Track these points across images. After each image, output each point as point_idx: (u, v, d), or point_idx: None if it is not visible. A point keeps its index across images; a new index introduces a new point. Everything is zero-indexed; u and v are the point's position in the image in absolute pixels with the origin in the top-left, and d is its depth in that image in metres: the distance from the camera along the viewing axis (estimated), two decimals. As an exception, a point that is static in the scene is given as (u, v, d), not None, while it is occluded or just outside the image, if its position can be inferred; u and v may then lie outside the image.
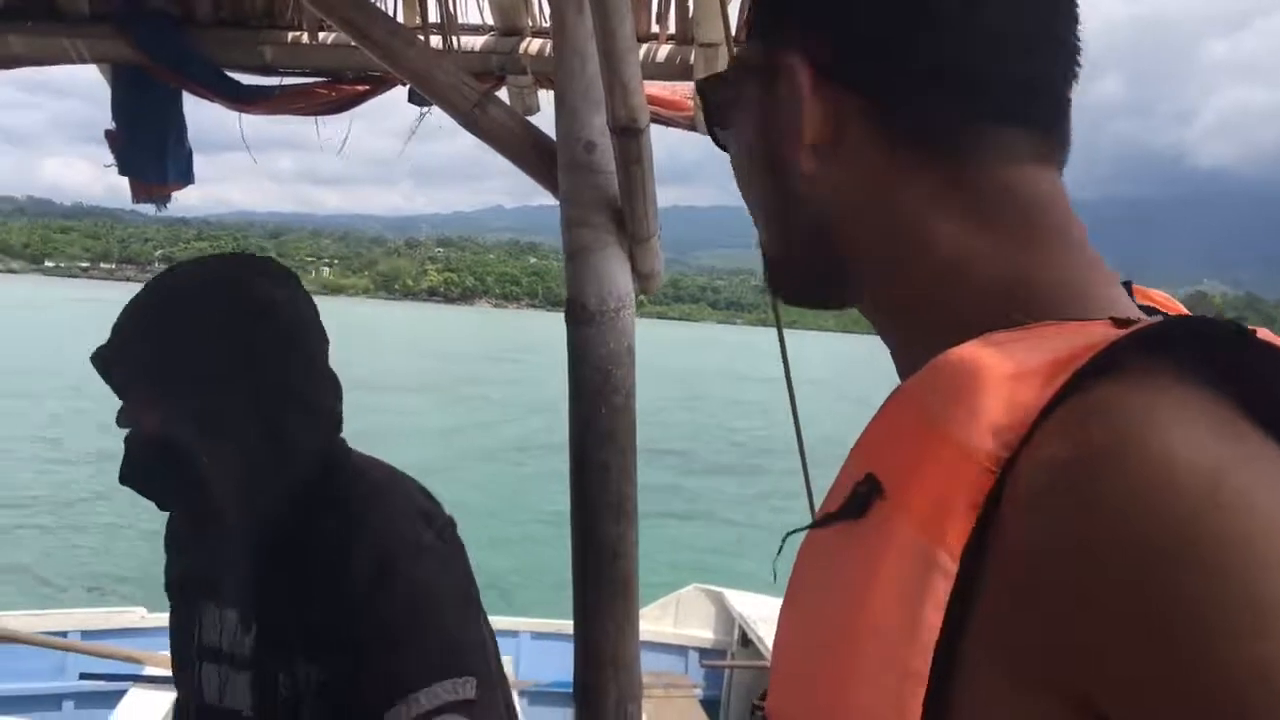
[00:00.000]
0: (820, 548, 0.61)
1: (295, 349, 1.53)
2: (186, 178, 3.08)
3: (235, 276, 1.55)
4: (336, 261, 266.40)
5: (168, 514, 1.69)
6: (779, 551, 0.72)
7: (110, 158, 3.00)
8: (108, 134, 2.96)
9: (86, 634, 5.81)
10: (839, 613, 0.56)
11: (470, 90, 1.95)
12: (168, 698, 5.35)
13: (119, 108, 2.94)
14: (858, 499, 0.57)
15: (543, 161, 1.97)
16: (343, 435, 1.60)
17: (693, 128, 3.05)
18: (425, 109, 3.06)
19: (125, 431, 1.55)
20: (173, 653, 1.66)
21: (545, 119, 2.10)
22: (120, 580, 11.75)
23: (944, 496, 0.51)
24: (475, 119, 1.95)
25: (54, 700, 5.75)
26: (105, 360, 1.52)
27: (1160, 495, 0.46)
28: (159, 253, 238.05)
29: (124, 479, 1.54)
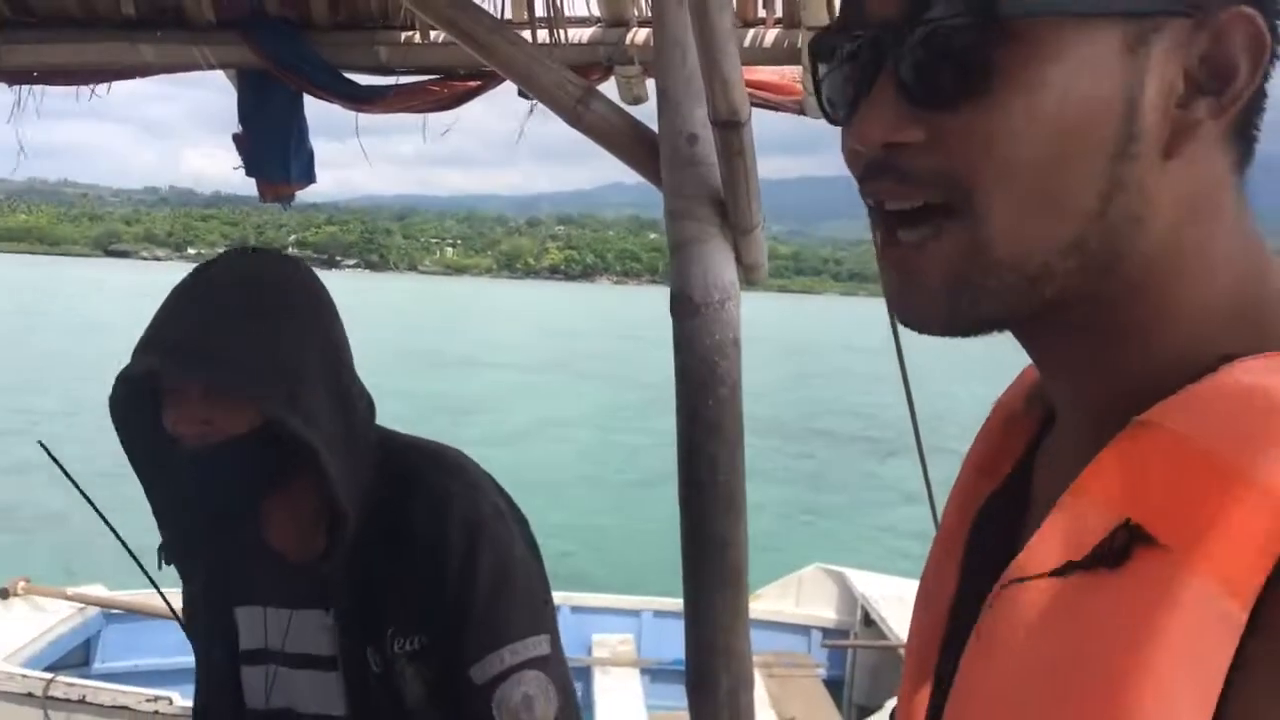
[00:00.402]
0: (1042, 601, 0.55)
1: (345, 336, 1.57)
2: (308, 176, 3.20)
3: (294, 269, 1.56)
4: (460, 242, 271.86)
5: (166, 532, 1.58)
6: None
7: (240, 160, 3.14)
8: (235, 137, 3.09)
9: None
10: (1095, 668, 0.50)
11: (573, 86, 1.97)
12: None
13: (245, 111, 3.07)
14: (1114, 549, 0.52)
15: (646, 154, 1.98)
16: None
17: (802, 112, 3.02)
18: (534, 102, 3.11)
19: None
20: (211, 663, 1.64)
21: (653, 108, 2.11)
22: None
23: (1244, 544, 0.48)
24: (579, 115, 1.97)
25: None
26: (194, 367, 1.40)
27: None
28: (292, 238, 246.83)
29: (198, 481, 1.46)
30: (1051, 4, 0.54)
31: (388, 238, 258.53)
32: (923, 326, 0.61)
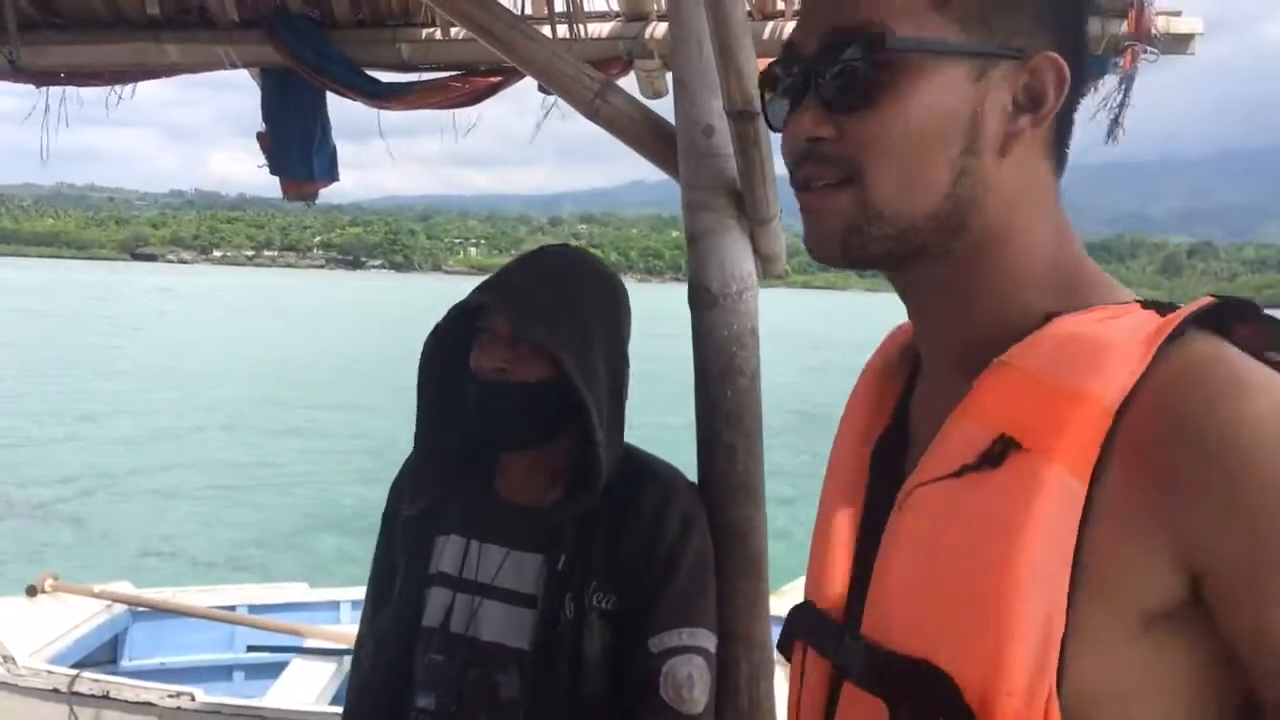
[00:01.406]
0: (942, 498, 0.77)
1: (628, 318, 1.79)
2: (331, 174, 3.23)
3: (600, 261, 1.83)
4: (483, 242, 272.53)
5: (411, 458, 1.82)
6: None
7: (263, 158, 3.17)
8: (259, 136, 3.13)
9: (254, 608, 6.15)
10: (987, 544, 0.73)
11: (591, 80, 1.98)
12: (328, 668, 5.62)
13: (268, 110, 3.11)
14: (994, 454, 0.74)
15: (664, 147, 2.00)
16: None
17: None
18: (553, 98, 3.12)
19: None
20: (400, 580, 1.77)
21: (671, 102, 2.13)
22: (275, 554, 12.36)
23: (1082, 439, 0.71)
24: (597, 109, 1.99)
25: (225, 670, 6.11)
26: (517, 311, 1.62)
27: (1240, 392, 0.68)
28: (317, 239, 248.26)
29: (485, 415, 1.67)
30: (919, 46, 0.78)
31: (412, 238, 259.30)
32: (826, 258, 0.84)
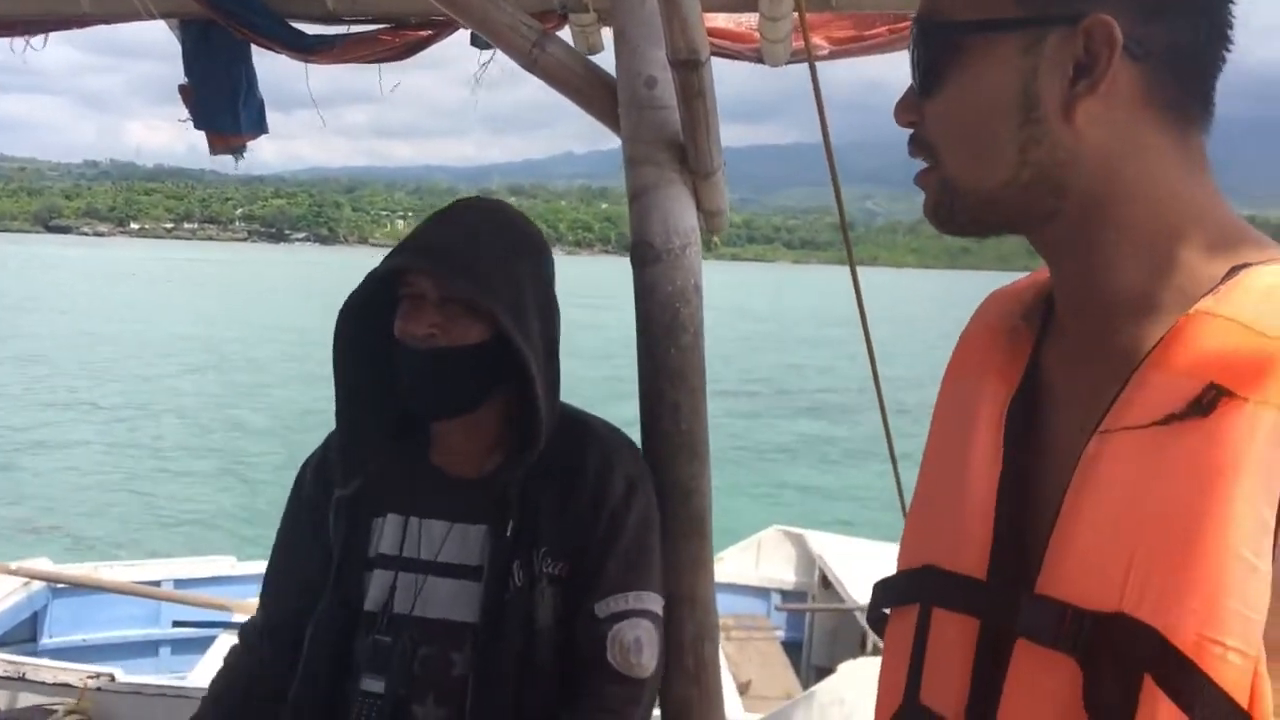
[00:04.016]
0: (1144, 447, 0.76)
1: (553, 269, 1.73)
2: (260, 127, 3.13)
3: (518, 212, 1.77)
4: (410, 214, 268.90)
5: (335, 441, 1.75)
6: None
7: (186, 113, 3.05)
8: (181, 89, 3.01)
9: (179, 583, 6.01)
10: (1201, 492, 0.72)
11: (529, 30, 1.92)
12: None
13: (190, 62, 2.99)
14: (1204, 402, 0.73)
15: (604, 100, 1.94)
16: None
17: (760, 60, 2.99)
18: (490, 52, 3.04)
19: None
20: (336, 564, 1.70)
21: (609, 58, 2.07)
22: (209, 528, 12.14)
23: None
24: (535, 59, 1.92)
25: (150, 646, 5.97)
26: (447, 270, 1.55)
27: None
28: (239, 211, 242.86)
29: (417, 385, 1.60)
30: (965, 28, 0.83)
31: (337, 210, 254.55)
32: (937, 228, 0.90)
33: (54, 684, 4.56)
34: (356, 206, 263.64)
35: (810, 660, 6.56)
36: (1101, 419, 0.79)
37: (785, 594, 6.77)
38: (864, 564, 6.36)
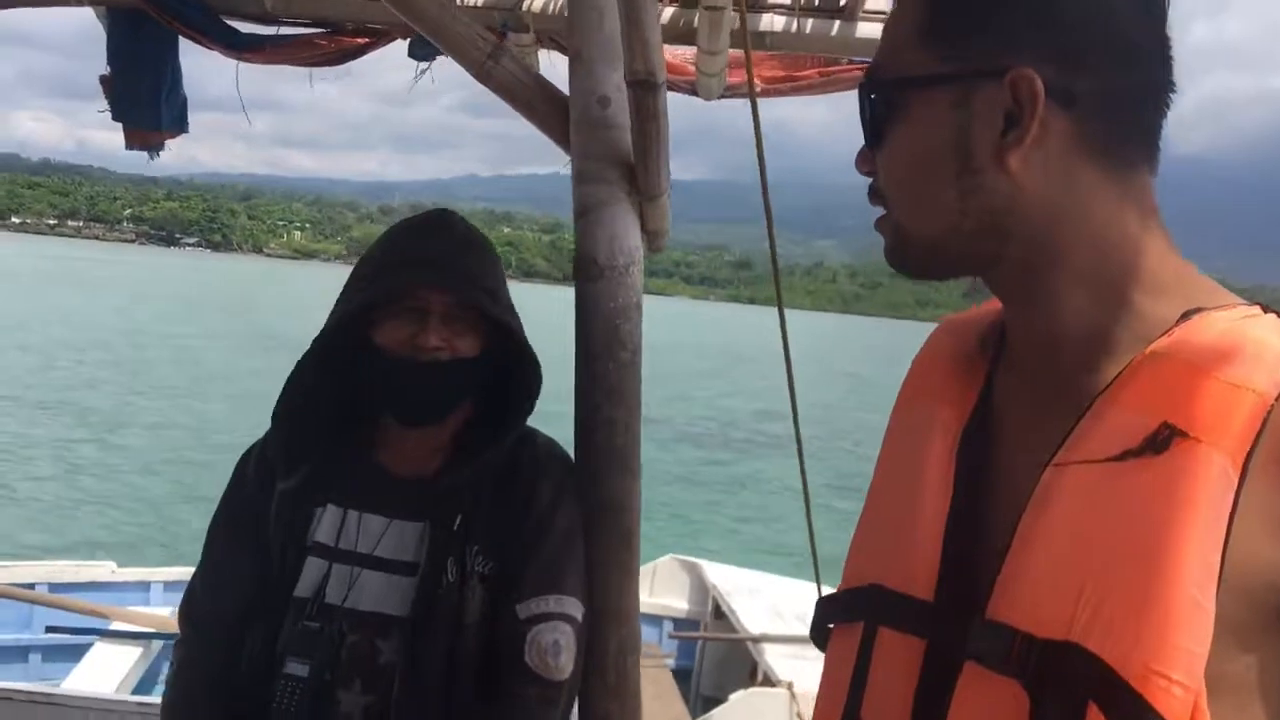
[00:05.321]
0: (1097, 481, 0.79)
1: None
2: (180, 125, 3.06)
3: None
4: (308, 226, 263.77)
5: (274, 436, 1.76)
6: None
7: (104, 103, 2.98)
8: (102, 79, 2.93)
9: (54, 586, 5.77)
10: (1151, 528, 0.75)
11: (484, 42, 1.93)
12: (133, 653, 5.32)
13: (115, 52, 2.92)
14: (1159, 440, 0.76)
15: (555, 116, 1.96)
16: None
17: (694, 92, 3.06)
18: (424, 66, 3.05)
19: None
20: (276, 551, 1.71)
21: (550, 78, 2.09)
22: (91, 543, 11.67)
23: (1242, 431, 0.74)
24: (489, 71, 1.93)
25: (20, 652, 5.71)
26: (461, 286, 1.63)
27: None
28: (128, 211, 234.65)
29: (419, 396, 1.66)
30: (900, 84, 0.88)
31: (232, 218, 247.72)
32: (892, 268, 0.94)
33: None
34: (253, 215, 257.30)
35: (699, 690, 6.59)
36: (1056, 451, 0.82)
37: (678, 622, 6.81)
38: (757, 596, 6.44)
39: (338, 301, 1.69)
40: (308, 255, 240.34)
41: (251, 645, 1.68)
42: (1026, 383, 0.92)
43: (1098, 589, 0.76)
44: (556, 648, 1.63)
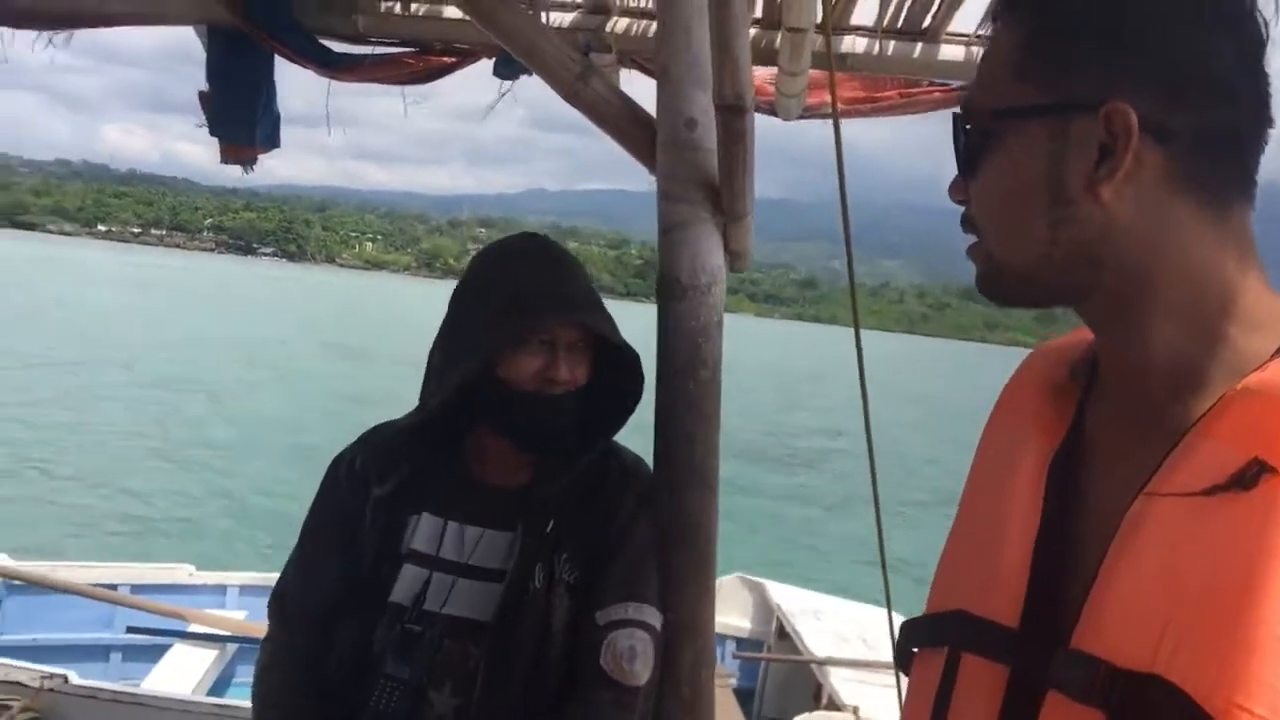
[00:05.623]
0: (1185, 514, 0.79)
1: None
2: (273, 141, 3.16)
3: None
4: (380, 237, 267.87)
5: (370, 443, 1.84)
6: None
7: (201, 118, 3.08)
8: (201, 95, 3.04)
9: (135, 588, 5.92)
10: (1238, 563, 0.75)
11: (574, 63, 1.98)
12: (210, 655, 5.44)
13: (213, 69, 3.02)
14: (1248, 476, 0.77)
15: (641, 136, 2.00)
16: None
17: (773, 113, 3.07)
18: (508, 85, 3.11)
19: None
20: (371, 557, 1.76)
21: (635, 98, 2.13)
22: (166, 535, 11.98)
23: None
24: (578, 91, 1.98)
25: (102, 650, 5.86)
26: (595, 321, 1.68)
27: None
28: (208, 221, 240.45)
29: (552, 427, 1.71)
30: (997, 114, 0.89)
31: (306, 228, 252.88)
32: (984, 295, 0.95)
33: (6, 681, 4.48)
34: (327, 225, 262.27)
35: (761, 711, 6.54)
36: (1146, 482, 0.82)
37: (741, 642, 6.77)
38: (822, 618, 6.39)
39: (456, 330, 1.74)
40: (378, 266, 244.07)
41: (342, 646, 1.73)
42: (1117, 412, 0.92)
43: (1182, 623, 0.76)
44: (632, 653, 1.66)
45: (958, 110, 0.94)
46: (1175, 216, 0.84)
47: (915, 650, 1.02)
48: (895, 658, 1.06)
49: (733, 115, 1.74)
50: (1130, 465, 0.86)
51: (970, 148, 0.92)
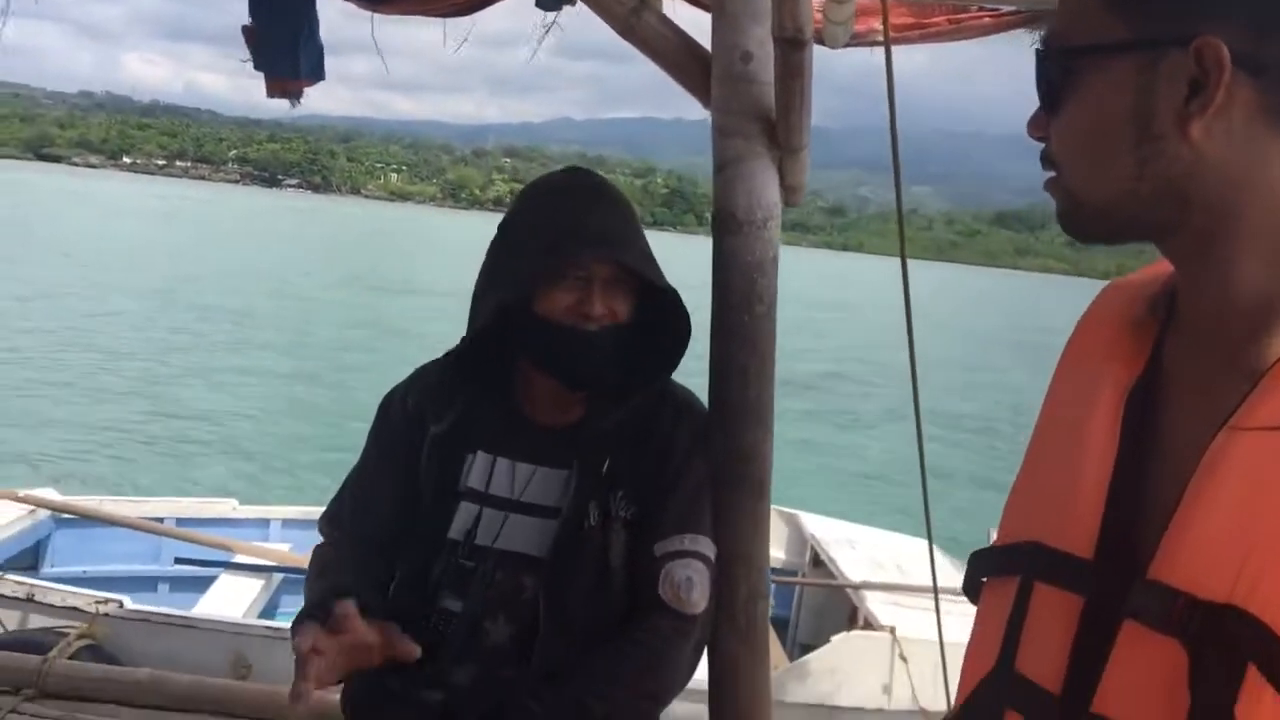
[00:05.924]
0: (1271, 447, 0.80)
1: None
2: (317, 73, 3.15)
3: None
4: (405, 168, 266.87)
5: (425, 379, 1.88)
6: None
7: (245, 52, 3.08)
8: (244, 30, 3.03)
9: (182, 521, 6.06)
10: None
11: (628, -4, 1.96)
12: (256, 584, 5.59)
13: (256, 3, 3.00)
14: None
15: (696, 70, 1.99)
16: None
17: (820, 41, 3.03)
18: (552, 16, 3.08)
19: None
20: (430, 494, 1.79)
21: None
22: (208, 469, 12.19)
23: None
24: (631, 26, 1.97)
25: (150, 582, 6.02)
26: (631, 259, 1.69)
27: None
28: (233, 153, 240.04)
29: (591, 363, 1.72)
30: (1084, 50, 0.88)
31: (331, 160, 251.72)
32: (1064, 231, 0.95)
33: (62, 606, 4.61)
34: (351, 157, 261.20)
35: (797, 638, 6.65)
36: (1229, 416, 0.82)
37: (775, 570, 6.86)
38: (856, 547, 6.45)
39: (497, 262, 1.77)
40: (403, 197, 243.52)
41: (400, 580, 1.78)
42: (1197, 348, 0.92)
43: (1263, 554, 0.77)
44: (690, 583, 1.70)
45: (1039, 48, 0.92)
46: (1265, 152, 0.83)
47: (984, 580, 1.04)
48: (964, 587, 1.07)
49: (792, 48, 1.73)
50: (1209, 401, 0.86)
51: (1054, 84, 0.91)
